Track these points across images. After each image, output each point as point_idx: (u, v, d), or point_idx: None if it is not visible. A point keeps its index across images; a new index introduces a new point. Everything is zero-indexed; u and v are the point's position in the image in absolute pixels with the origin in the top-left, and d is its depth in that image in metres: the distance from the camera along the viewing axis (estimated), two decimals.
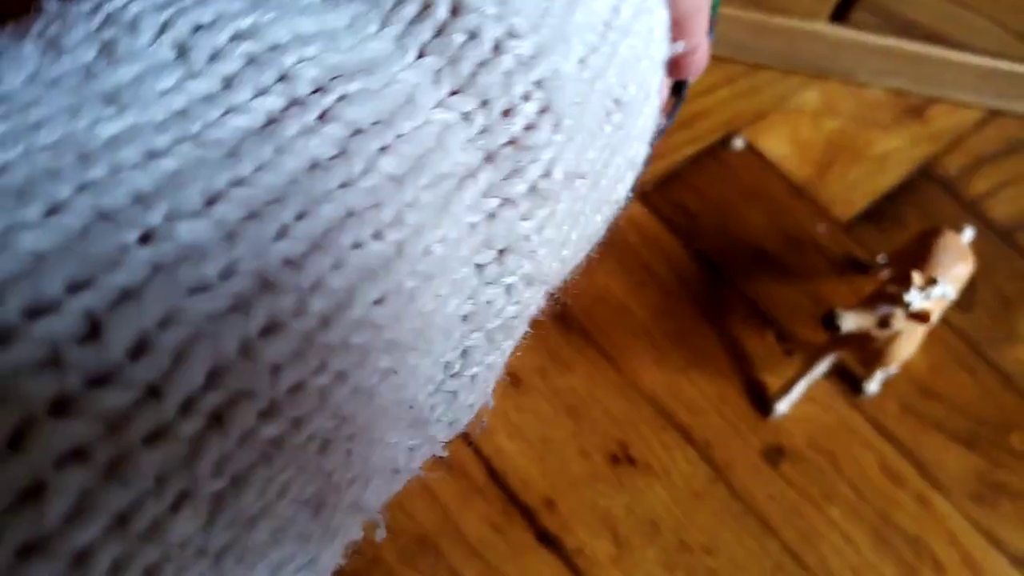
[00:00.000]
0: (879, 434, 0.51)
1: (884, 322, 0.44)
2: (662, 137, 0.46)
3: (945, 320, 0.57)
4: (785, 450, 0.50)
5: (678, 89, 0.50)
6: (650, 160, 0.47)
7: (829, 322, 0.44)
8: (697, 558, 0.46)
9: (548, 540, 0.46)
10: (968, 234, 0.53)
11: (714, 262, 0.57)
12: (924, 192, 0.65)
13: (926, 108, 0.70)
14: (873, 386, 0.52)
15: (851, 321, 0.43)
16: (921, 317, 0.44)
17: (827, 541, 0.47)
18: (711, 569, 0.45)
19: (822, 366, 0.50)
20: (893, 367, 0.49)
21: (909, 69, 0.70)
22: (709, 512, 0.47)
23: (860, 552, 0.47)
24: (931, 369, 0.55)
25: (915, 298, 0.43)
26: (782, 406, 0.50)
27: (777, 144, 0.65)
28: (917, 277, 0.44)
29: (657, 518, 0.47)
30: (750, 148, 0.64)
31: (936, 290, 0.44)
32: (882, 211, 0.63)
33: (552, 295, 0.29)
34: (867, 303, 0.45)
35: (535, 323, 0.30)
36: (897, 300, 0.44)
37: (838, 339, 0.47)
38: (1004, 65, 0.69)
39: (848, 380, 0.53)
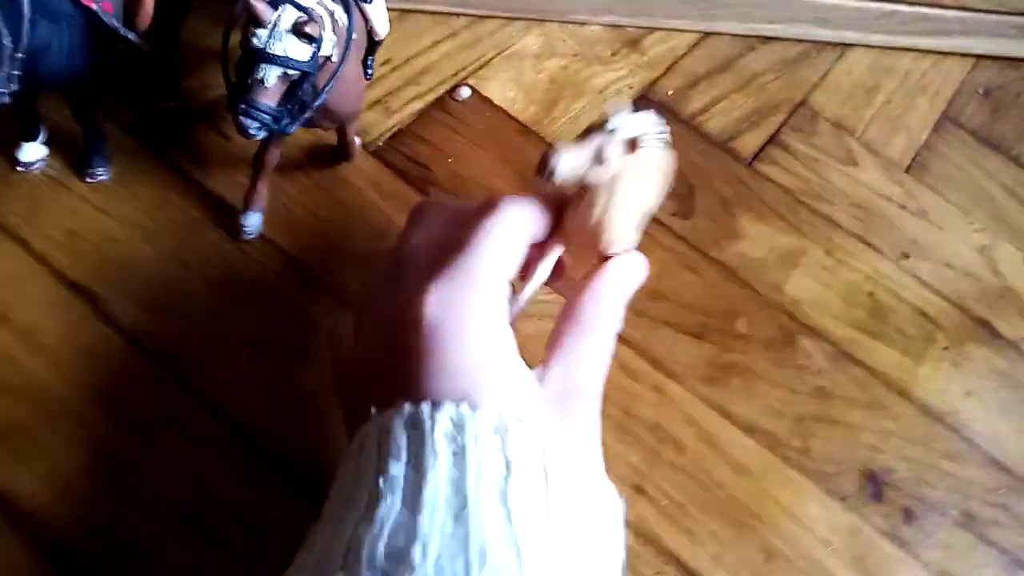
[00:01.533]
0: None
1: (599, 157, 0.38)
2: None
3: (668, 228, 0.62)
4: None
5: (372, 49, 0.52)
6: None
7: (544, 168, 0.37)
8: None
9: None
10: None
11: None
12: None
13: (642, 38, 0.75)
14: None
15: (567, 162, 0.37)
16: (632, 145, 0.38)
17: None
18: None
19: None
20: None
21: (621, 3, 0.74)
22: None
23: (607, 444, 0.50)
24: (658, 275, 0.59)
25: (622, 122, 0.39)
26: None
27: (502, 89, 0.68)
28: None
29: None
30: (477, 95, 0.67)
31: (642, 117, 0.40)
32: None
33: None
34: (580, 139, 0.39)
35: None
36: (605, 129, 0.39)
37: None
38: None
39: None
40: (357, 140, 0.58)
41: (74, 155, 0.55)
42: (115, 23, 0.45)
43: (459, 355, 0.33)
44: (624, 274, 0.41)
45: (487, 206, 0.38)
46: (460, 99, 0.66)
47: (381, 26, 0.50)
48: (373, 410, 0.33)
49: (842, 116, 0.75)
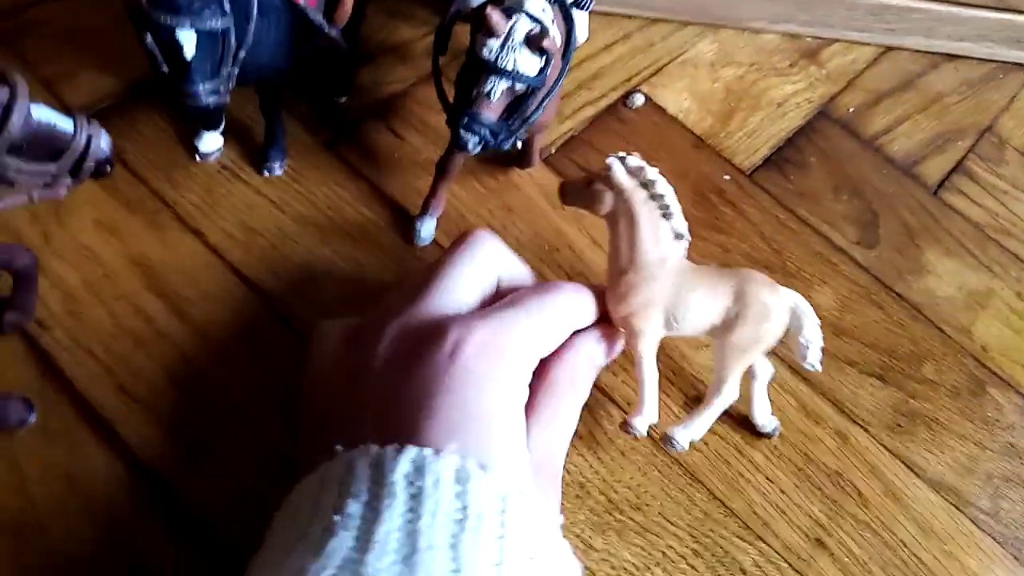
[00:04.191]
0: (795, 376, 0.52)
1: (592, 195, 0.42)
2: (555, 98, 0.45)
3: (851, 258, 0.59)
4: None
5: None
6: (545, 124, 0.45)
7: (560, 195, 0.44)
8: (625, 515, 0.46)
9: None
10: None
11: None
12: (824, 133, 0.66)
13: (821, 50, 0.71)
14: None
15: (570, 192, 0.43)
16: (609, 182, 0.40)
17: (752, 485, 0.48)
18: (640, 525, 0.46)
19: None
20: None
21: (801, 11, 0.70)
22: (635, 469, 0.47)
23: (785, 492, 0.48)
24: (841, 308, 0.56)
25: (615, 164, 0.40)
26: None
27: (676, 97, 0.65)
28: (627, 157, 0.41)
29: (584, 480, 0.47)
30: (650, 103, 0.64)
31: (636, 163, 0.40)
32: (784, 156, 0.63)
33: None
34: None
35: None
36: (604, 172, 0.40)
37: None
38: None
39: None
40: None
41: (248, 148, 0.54)
42: (320, 19, 0.44)
43: (476, 401, 0.34)
44: (594, 346, 0.42)
45: (552, 285, 0.40)
46: (633, 107, 0.63)
47: (582, 32, 0.47)
48: (339, 448, 0.33)
49: None
